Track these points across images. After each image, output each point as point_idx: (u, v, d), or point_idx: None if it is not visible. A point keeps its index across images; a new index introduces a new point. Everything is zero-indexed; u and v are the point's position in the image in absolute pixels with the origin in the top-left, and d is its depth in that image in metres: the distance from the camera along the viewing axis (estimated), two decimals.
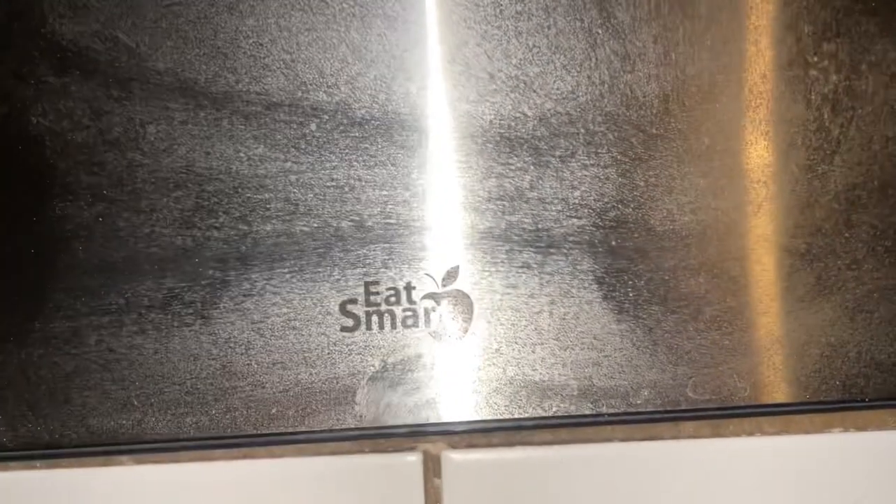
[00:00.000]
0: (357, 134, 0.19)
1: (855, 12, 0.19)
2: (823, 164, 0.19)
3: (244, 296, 0.19)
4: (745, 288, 0.19)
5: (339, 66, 0.19)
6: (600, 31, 0.19)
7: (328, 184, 0.19)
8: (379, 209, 0.19)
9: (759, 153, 0.19)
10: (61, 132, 0.19)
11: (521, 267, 0.19)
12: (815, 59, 0.19)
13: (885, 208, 0.19)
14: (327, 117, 0.19)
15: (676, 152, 0.19)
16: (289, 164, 0.19)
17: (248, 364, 0.19)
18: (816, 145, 0.19)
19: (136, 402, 0.19)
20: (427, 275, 0.19)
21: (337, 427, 0.19)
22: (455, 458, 0.21)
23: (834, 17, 0.19)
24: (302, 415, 0.19)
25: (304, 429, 0.19)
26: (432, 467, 0.21)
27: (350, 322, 0.19)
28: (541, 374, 0.19)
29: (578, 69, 0.19)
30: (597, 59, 0.19)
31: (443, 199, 0.19)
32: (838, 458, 0.20)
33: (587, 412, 0.19)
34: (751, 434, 0.21)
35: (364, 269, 0.19)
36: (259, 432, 0.19)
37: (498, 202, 0.19)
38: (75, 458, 0.20)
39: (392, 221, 0.19)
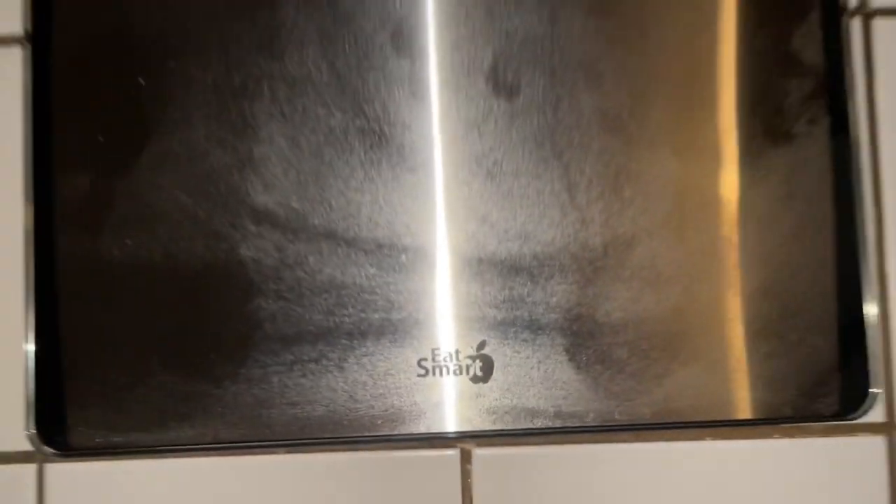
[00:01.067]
0: (426, 263, 0.33)
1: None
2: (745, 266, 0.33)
3: (363, 356, 0.33)
4: (659, 353, 0.33)
5: (418, 219, 0.33)
6: (569, 205, 0.33)
7: (412, 292, 0.33)
8: (442, 308, 0.33)
9: (660, 274, 0.33)
10: (258, 259, 0.33)
11: (523, 341, 0.33)
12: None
13: (789, 297, 0.33)
14: (412, 252, 0.33)
15: (613, 277, 0.33)
16: (390, 279, 0.33)
17: (364, 395, 0.33)
18: (730, 260, 0.33)
19: (299, 416, 0.33)
20: (468, 345, 0.33)
21: (414, 432, 0.33)
22: (480, 453, 0.35)
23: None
24: (394, 424, 0.33)
25: (395, 433, 0.33)
26: (467, 458, 0.35)
27: (423, 371, 0.33)
28: (533, 403, 0.33)
29: (557, 226, 0.33)
30: (566, 220, 0.33)
31: (475, 302, 0.33)
32: (754, 460, 0.34)
33: (558, 426, 0.33)
34: (695, 440, 0.34)
35: (431, 341, 0.33)
36: (369, 434, 0.33)
37: (509, 303, 0.33)
38: (262, 448, 0.33)
39: (447, 314, 0.33)
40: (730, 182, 0.33)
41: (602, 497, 0.34)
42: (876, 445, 0.35)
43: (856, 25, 0.36)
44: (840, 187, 0.33)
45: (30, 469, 0.36)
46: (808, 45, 0.33)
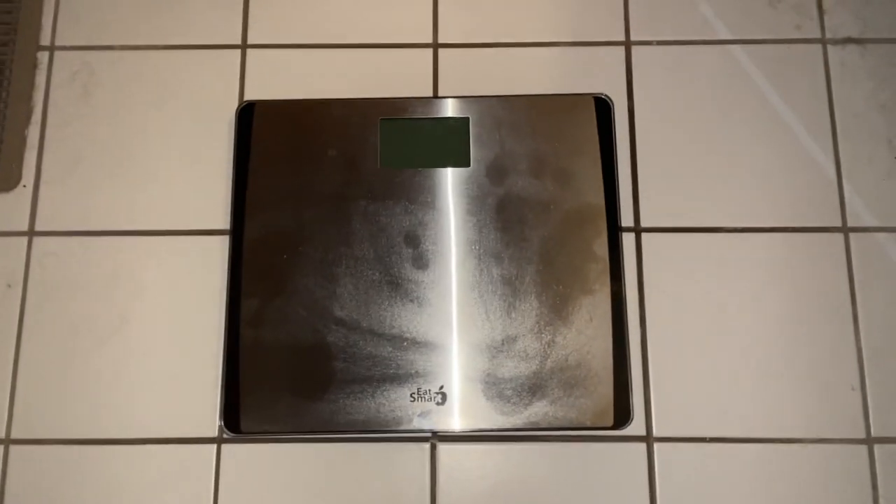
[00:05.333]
0: (414, 346, 0.68)
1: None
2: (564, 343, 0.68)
3: (384, 390, 0.67)
4: (526, 394, 0.68)
5: (410, 325, 0.69)
6: (486, 321, 0.69)
7: (409, 360, 0.68)
8: (422, 368, 0.68)
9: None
10: (336, 342, 0.68)
11: (462, 385, 0.68)
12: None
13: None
14: (408, 341, 0.68)
15: (505, 356, 0.68)
16: (398, 354, 0.68)
17: (384, 410, 0.67)
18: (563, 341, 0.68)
19: (352, 419, 0.67)
20: (435, 386, 0.68)
21: (407, 429, 0.67)
22: (443, 447, 0.69)
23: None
24: (398, 425, 0.67)
25: (399, 428, 0.67)
26: (434, 447, 0.69)
27: (413, 399, 0.67)
28: (467, 418, 0.67)
29: (479, 330, 0.69)
30: (484, 328, 0.69)
31: (438, 365, 0.68)
32: (566, 456, 0.68)
33: (477, 429, 0.67)
34: (540, 441, 0.69)
35: (417, 384, 0.68)
36: (386, 429, 0.67)
37: (454, 367, 0.68)
38: (333, 436, 0.68)
39: (424, 371, 0.68)
40: (563, 313, 0.69)
41: (505, 467, 0.68)
42: (639, 448, 0.69)
43: (629, 238, 0.73)
44: (614, 311, 0.69)
45: (211, 448, 0.70)
46: (600, 247, 0.70)
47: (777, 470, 0.68)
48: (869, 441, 0.69)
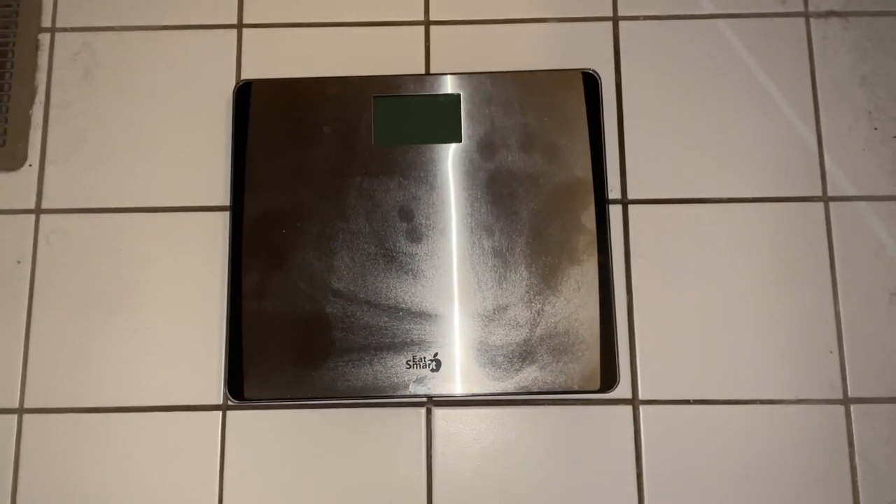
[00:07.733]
0: (409, 315, 0.71)
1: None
2: (552, 310, 0.71)
3: (381, 358, 0.70)
4: (517, 360, 0.71)
5: (404, 296, 0.72)
6: (477, 291, 0.71)
7: (404, 329, 0.71)
8: (417, 336, 0.71)
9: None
10: (334, 313, 0.71)
11: (456, 352, 0.71)
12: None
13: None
14: (403, 311, 0.71)
15: (496, 324, 0.71)
16: (393, 323, 0.71)
17: (381, 376, 0.70)
18: (549, 309, 0.71)
19: (351, 385, 0.70)
20: (429, 353, 0.71)
21: (402, 394, 0.70)
22: (438, 411, 0.72)
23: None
24: (395, 390, 0.70)
25: (389, 393, 0.70)
26: (430, 411, 0.72)
27: (409, 366, 0.70)
28: (460, 383, 0.70)
29: (471, 300, 0.71)
30: (476, 297, 0.71)
31: (432, 334, 0.71)
32: (557, 418, 0.72)
33: (471, 394, 0.70)
34: (530, 405, 0.72)
35: (412, 351, 0.71)
36: (383, 395, 0.70)
37: (449, 335, 0.71)
38: (333, 402, 0.71)
39: (420, 339, 0.71)
40: (552, 282, 0.72)
41: (497, 429, 0.72)
42: (625, 410, 0.72)
43: (616, 209, 0.76)
44: (601, 280, 0.72)
45: (216, 414, 0.73)
46: (588, 219, 0.73)
47: (758, 430, 0.71)
48: (846, 401, 0.72)
